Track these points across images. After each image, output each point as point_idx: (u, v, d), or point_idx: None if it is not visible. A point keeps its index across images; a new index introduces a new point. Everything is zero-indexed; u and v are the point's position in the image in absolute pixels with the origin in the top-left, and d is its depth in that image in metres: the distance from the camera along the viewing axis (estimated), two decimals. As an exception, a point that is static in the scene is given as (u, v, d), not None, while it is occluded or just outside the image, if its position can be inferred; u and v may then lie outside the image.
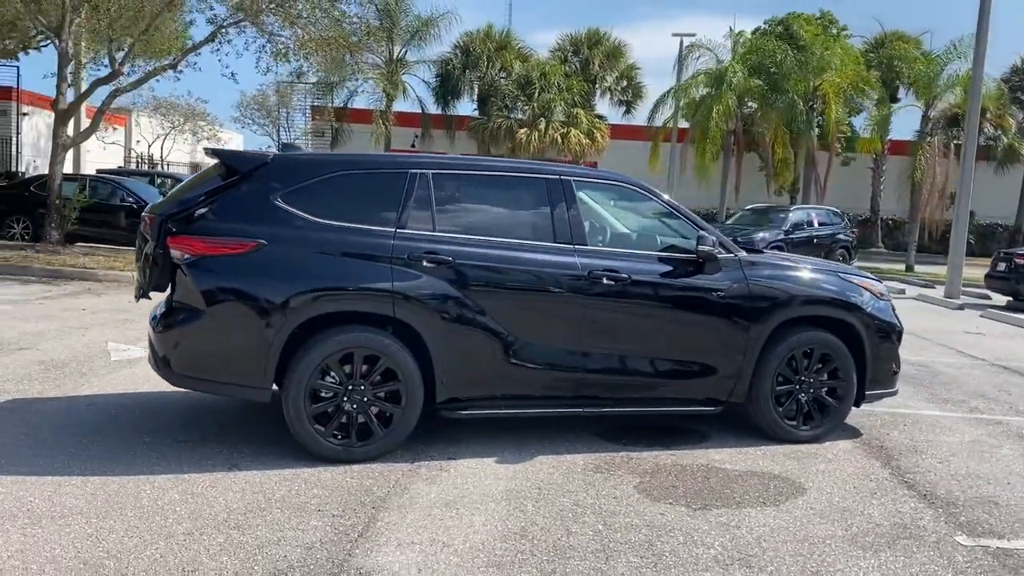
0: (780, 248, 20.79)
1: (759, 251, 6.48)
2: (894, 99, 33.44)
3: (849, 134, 32.52)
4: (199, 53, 15.43)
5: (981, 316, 15.28)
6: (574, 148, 32.90)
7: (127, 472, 4.73)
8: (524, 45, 36.57)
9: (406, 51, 34.87)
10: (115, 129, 40.48)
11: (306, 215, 5.05)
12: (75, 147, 19.27)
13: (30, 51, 23.87)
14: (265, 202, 5.02)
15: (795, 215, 22.02)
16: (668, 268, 5.63)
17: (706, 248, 5.53)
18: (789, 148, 29.11)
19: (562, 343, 5.40)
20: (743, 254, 5.89)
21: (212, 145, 22.54)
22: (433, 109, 35.70)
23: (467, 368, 5.23)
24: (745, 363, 5.73)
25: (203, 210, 5.00)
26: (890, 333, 6.16)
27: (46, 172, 16.16)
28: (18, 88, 34.12)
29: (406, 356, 5.08)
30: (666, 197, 5.94)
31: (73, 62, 16.04)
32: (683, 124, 29.30)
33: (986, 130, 30.60)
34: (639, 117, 35.04)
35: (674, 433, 6.04)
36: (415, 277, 5.09)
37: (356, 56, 16.06)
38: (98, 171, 23.23)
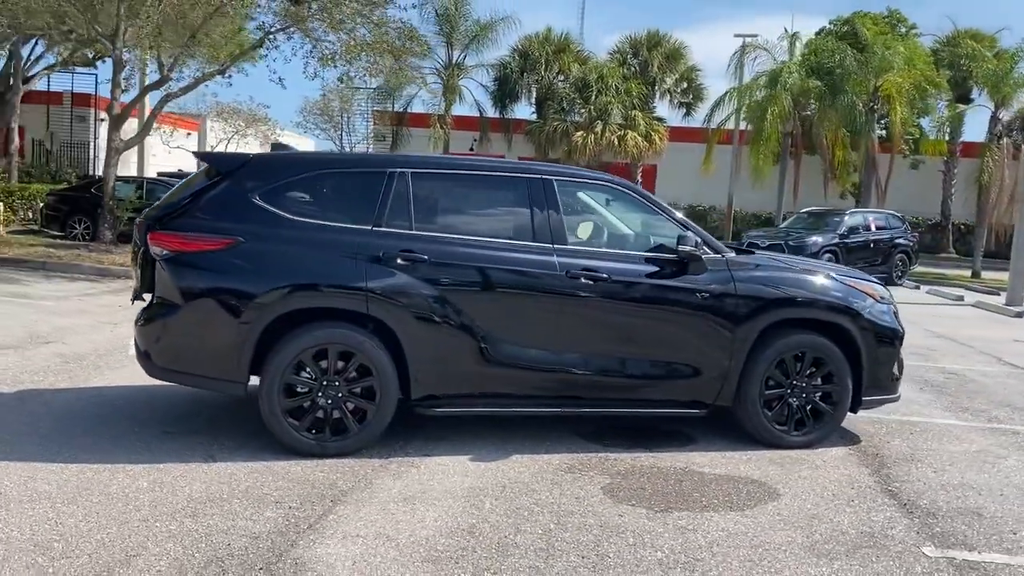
0: (834, 253, 20.33)
1: (751, 251, 6.34)
2: (967, 99, 32.29)
3: (917, 136, 31.51)
4: (248, 59, 15.84)
5: (1039, 324, 14.65)
6: (631, 151, 32.64)
7: (107, 460, 4.90)
8: (583, 48, 36.56)
9: (464, 55, 35.14)
10: (189, 134, 41.94)
11: (284, 213, 5.15)
12: (138, 150, 20.00)
13: (106, 59, 24.83)
14: (244, 201, 5.14)
15: (851, 219, 21.41)
16: (650, 268, 5.56)
17: (687, 248, 5.45)
18: (849, 150, 28.35)
19: (539, 342, 5.39)
20: (731, 255, 5.78)
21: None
22: (491, 113, 35.90)
23: (442, 366, 5.26)
24: (731, 365, 5.62)
25: (184, 209, 5.15)
26: (889, 337, 5.96)
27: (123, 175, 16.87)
28: (96, 95, 35.57)
29: (380, 353, 5.14)
30: (652, 197, 5.88)
31: (127, 68, 16.62)
32: (735, 127, 28.79)
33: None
34: (699, 120, 34.60)
35: (661, 436, 5.96)
36: (389, 275, 5.15)
37: (400, 60, 16.25)
38: (159, 174, 24.03)
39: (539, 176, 5.58)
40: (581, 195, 6.02)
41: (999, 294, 19.63)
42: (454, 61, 34.95)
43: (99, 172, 35.18)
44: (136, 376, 6.92)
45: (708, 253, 5.64)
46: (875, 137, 27.83)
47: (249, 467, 4.92)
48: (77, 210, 18.23)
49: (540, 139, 33.71)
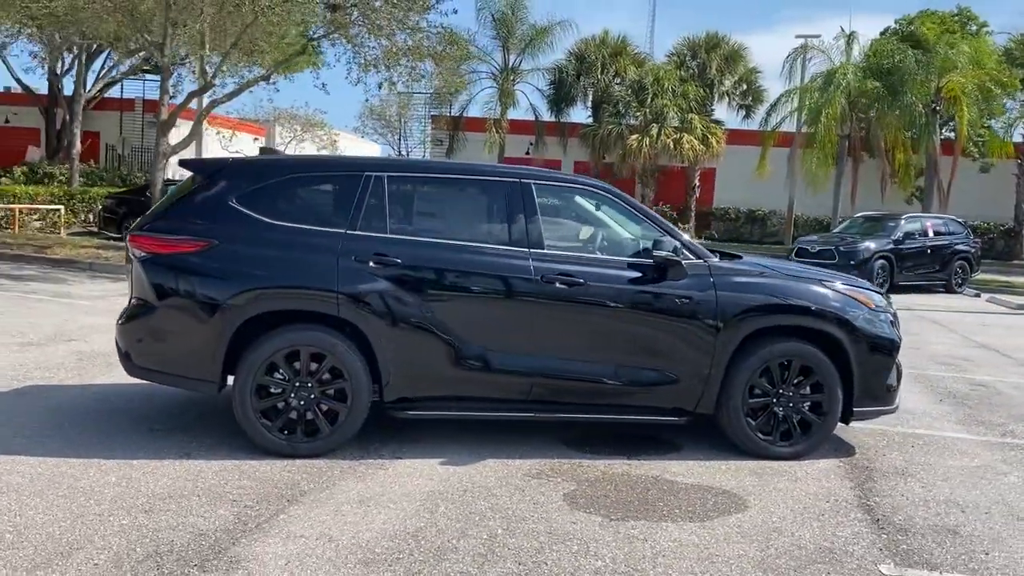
0: (888, 259, 19.72)
1: (737, 257, 6.20)
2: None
3: (987, 137, 30.33)
4: (294, 66, 16.16)
5: (1097, 335, 13.95)
6: (687, 154, 32.21)
7: (84, 455, 5.05)
8: (640, 50, 36.24)
9: (521, 60, 35.22)
10: (256, 139, 43.06)
11: (259, 216, 5.24)
12: (196, 154, 20.57)
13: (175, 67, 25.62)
14: (221, 204, 5.25)
15: (908, 224, 20.71)
16: (629, 273, 5.50)
17: (662, 253, 5.36)
18: (911, 153, 27.43)
19: (514, 347, 5.37)
20: (714, 260, 5.67)
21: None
22: (546, 116, 35.88)
23: (414, 369, 5.28)
24: (712, 373, 5.51)
25: (165, 213, 5.29)
26: (883, 347, 5.76)
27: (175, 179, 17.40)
28: (187, 102, 36.79)
29: (352, 355, 5.18)
30: (634, 201, 5.80)
31: (180, 74, 17.17)
32: (793, 129, 28.11)
33: None
34: (759, 122, 33.97)
35: (647, 443, 5.87)
36: (361, 278, 5.19)
37: (441, 64, 16.36)
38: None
39: (517, 180, 5.56)
40: (562, 199, 5.98)
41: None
42: (510, 65, 35.04)
43: (168, 176, 36.48)
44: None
45: (690, 258, 5.54)
46: (937, 139, 26.88)
47: (220, 465, 5.01)
48: (133, 212, 18.84)
49: (594, 143, 33.54)
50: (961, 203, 28.18)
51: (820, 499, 4.97)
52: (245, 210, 5.24)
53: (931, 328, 13.16)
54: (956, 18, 31.71)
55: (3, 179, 29.08)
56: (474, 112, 35.55)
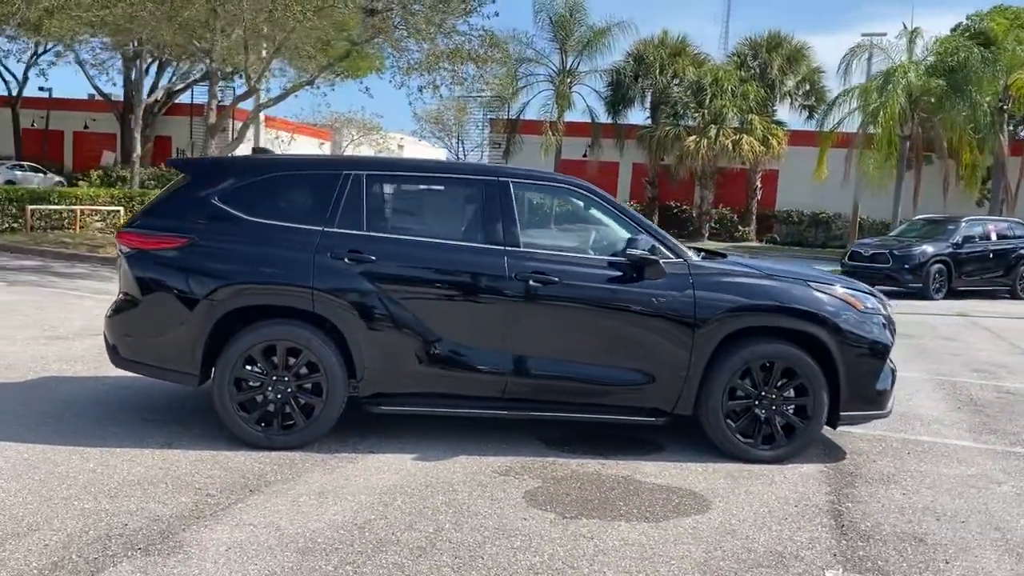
0: (945, 263, 19.05)
1: (721, 256, 6.09)
2: None
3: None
4: (346, 70, 16.50)
5: None
6: (746, 155, 31.72)
7: (72, 443, 5.26)
8: (700, 51, 35.84)
9: (578, 62, 35.19)
10: (323, 144, 44.07)
11: (241, 214, 5.39)
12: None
13: (240, 74, 26.33)
14: (203, 202, 5.42)
15: (969, 227, 19.95)
16: (606, 271, 5.47)
17: (636, 252, 5.32)
18: (977, 153, 26.43)
19: (487, 344, 5.40)
20: (695, 259, 5.60)
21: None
22: (604, 118, 35.71)
23: (388, 364, 5.36)
24: (690, 374, 5.44)
25: (152, 210, 5.48)
26: (872, 349, 5.61)
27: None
28: (232, 107, 37.90)
29: (327, 350, 5.29)
30: (612, 200, 5.76)
31: (233, 79, 17.65)
32: (852, 130, 27.37)
33: None
34: (816, 123, 33.19)
35: (627, 443, 5.83)
36: (336, 274, 5.29)
37: (482, 67, 16.48)
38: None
39: (494, 178, 5.58)
40: (540, 198, 5.98)
41: None
42: (567, 68, 35.03)
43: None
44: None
45: (669, 257, 5.49)
46: (1005, 139, 25.85)
47: (197, 455, 5.17)
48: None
49: (651, 144, 33.29)
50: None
51: (789, 503, 4.87)
52: (227, 207, 5.39)
53: (980, 334, 12.69)
54: (1032, 13, 30.41)
55: (81, 182, 30.41)
56: (531, 115, 35.70)
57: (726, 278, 5.57)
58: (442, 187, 5.74)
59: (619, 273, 5.46)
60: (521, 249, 5.44)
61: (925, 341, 11.78)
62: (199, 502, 4.45)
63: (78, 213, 19.66)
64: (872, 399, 5.66)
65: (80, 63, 31.40)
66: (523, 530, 4.28)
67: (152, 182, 30.16)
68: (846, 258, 19.82)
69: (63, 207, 19.40)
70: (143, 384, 6.71)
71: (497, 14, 22.59)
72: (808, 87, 34.79)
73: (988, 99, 25.04)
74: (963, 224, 20.09)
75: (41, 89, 43.19)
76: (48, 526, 4.05)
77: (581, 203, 5.85)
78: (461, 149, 35.90)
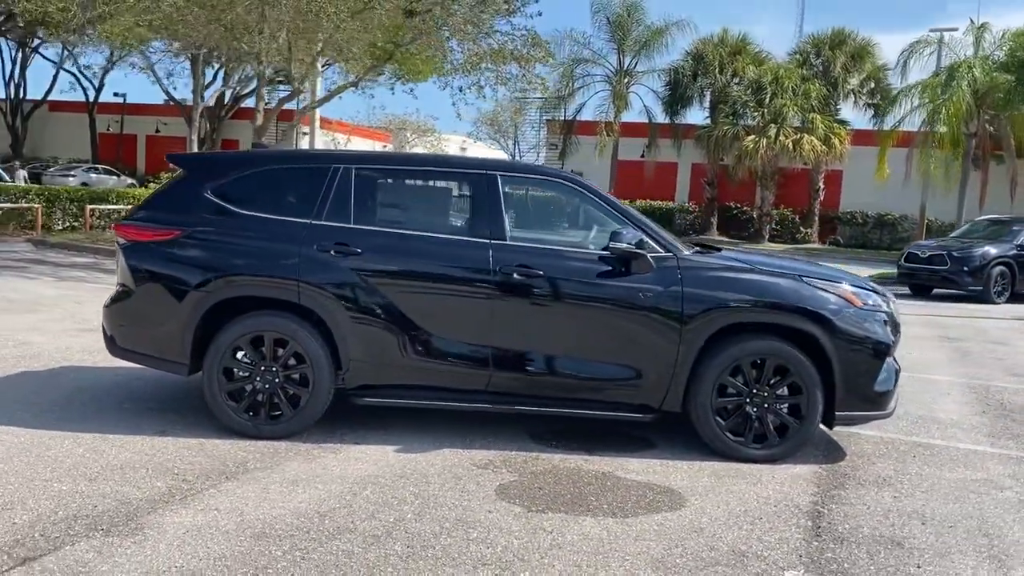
0: (1008, 265, 18.29)
1: (716, 250, 5.95)
2: None
3: None
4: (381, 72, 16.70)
5: None
6: (807, 155, 30.97)
7: (70, 428, 5.42)
8: (761, 49, 35.13)
9: (636, 62, 34.88)
10: (385, 146, 44.76)
11: (232, 207, 5.50)
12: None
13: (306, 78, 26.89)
14: (197, 195, 5.54)
15: (1034, 228, 19.14)
16: (592, 265, 5.41)
17: (620, 245, 5.24)
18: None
19: (471, 338, 5.39)
20: (684, 253, 5.50)
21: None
22: (661, 119, 35.33)
23: (373, 357, 5.39)
24: (677, 370, 5.34)
25: (149, 203, 5.63)
26: (870, 347, 5.42)
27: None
28: (297, 109, 38.75)
29: (313, 342, 5.35)
30: (603, 193, 5.69)
31: (262, 80, 18.01)
32: (915, 128, 26.40)
33: None
34: (875, 121, 32.21)
35: (619, 439, 5.75)
36: (322, 267, 5.35)
37: (525, 67, 16.47)
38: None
39: (482, 171, 5.57)
40: (529, 191, 5.95)
41: None
42: (625, 68, 34.78)
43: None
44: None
45: (658, 251, 5.40)
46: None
47: (185, 442, 5.28)
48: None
49: (709, 144, 32.78)
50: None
51: (769, 503, 4.73)
52: (219, 201, 5.50)
53: (1033, 339, 12.18)
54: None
55: (151, 184, 31.42)
56: (588, 116, 35.51)
57: (715, 273, 5.46)
58: (431, 181, 5.76)
59: (607, 267, 5.39)
60: (506, 243, 5.42)
61: (971, 344, 11.34)
62: (173, 487, 4.54)
63: (136, 212, 20.29)
64: (871, 398, 5.47)
65: (151, 69, 32.44)
66: (484, 522, 4.26)
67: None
68: (902, 260, 19.19)
69: (121, 207, 20.07)
70: (154, 375, 6.86)
71: (540, 14, 22.42)
72: (873, 85, 33.76)
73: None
74: (1028, 225, 19.26)
75: (116, 95, 44.95)
76: (21, 506, 4.18)
77: (571, 197, 5.80)
78: (517, 150, 35.89)
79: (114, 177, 36.96)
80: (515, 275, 5.32)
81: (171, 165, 6.22)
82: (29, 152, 43.12)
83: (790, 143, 30.92)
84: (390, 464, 5.08)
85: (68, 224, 19.30)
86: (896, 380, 5.63)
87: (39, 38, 34.00)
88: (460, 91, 16.01)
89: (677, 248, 5.51)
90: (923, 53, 26.25)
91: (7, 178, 29.14)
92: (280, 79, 33.63)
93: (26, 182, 28.63)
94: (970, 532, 4.46)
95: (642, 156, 35.80)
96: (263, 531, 4.03)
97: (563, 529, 4.23)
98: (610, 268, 5.38)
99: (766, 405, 5.40)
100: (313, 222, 5.43)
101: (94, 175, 37.25)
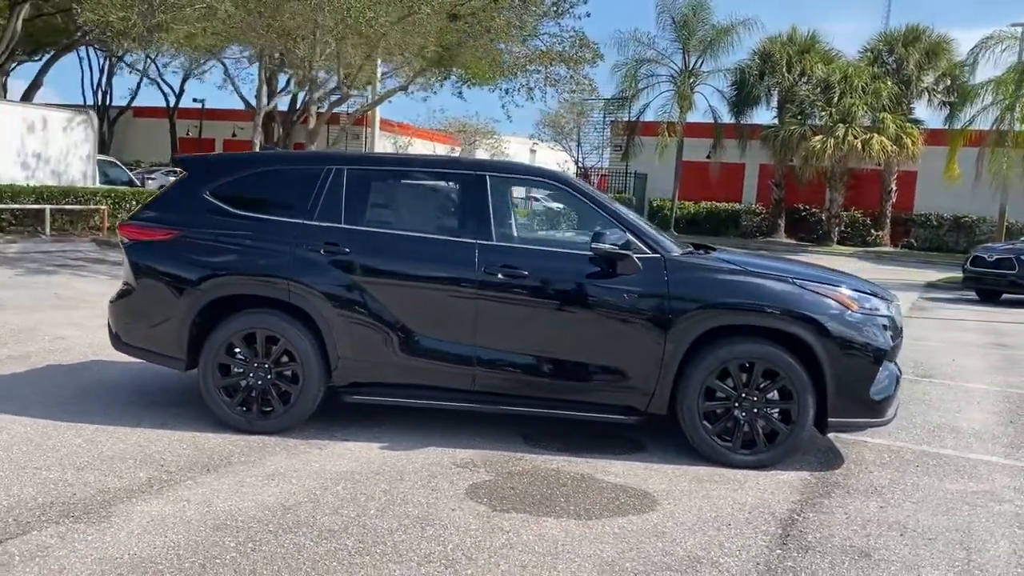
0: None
1: (711, 250, 5.83)
2: None
3: None
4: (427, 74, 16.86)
5: None
6: (876, 155, 30.04)
7: (74, 420, 5.64)
8: (831, 47, 34.23)
9: (701, 61, 34.40)
10: (453, 150, 45.28)
11: (228, 208, 5.65)
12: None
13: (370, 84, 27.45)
14: (195, 196, 5.71)
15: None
16: (577, 266, 5.38)
17: (602, 246, 5.20)
18: None
19: (456, 337, 5.43)
20: (673, 254, 5.42)
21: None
22: (727, 119, 34.74)
23: (361, 355, 5.47)
24: (663, 372, 5.27)
25: (152, 203, 5.84)
26: (864, 352, 5.26)
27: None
28: (346, 113, 39.57)
29: (303, 339, 5.46)
30: (591, 193, 5.64)
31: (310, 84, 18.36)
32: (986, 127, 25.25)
33: None
34: (944, 120, 30.98)
35: (608, 442, 5.69)
36: (311, 266, 5.46)
37: (573, 68, 16.40)
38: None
39: (471, 172, 5.61)
40: (519, 191, 5.94)
41: None
42: (690, 68, 34.34)
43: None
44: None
45: (645, 252, 5.34)
46: None
47: (179, 435, 5.44)
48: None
49: (775, 145, 32.09)
50: None
51: (744, 510, 4.63)
52: (216, 201, 5.66)
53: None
54: None
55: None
56: (652, 117, 35.14)
57: (701, 273, 5.37)
58: (421, 181, 5.82)
59: (593, 268, 5.36)
60: (492, 243, 5.44)
61: (1022, 352, 10.86)
62: (153, 478, 4.70)
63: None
64: (866, 404, 5.30)
65: (228, 75, 33.44)
66: (443, 520, 4.28)
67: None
68: (968, 263, 18.47)
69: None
70: (170, 372, 7.07)
71: (588, 15, 22.24)
72: (949, 82, 32.56)
73: None
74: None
75: (195, 100, 46.53)
76: (6, 492, 4.38)
77: (562, 196, 5.78)
78: (579, 152, 35.82)
79: (191, 179, 38.12)
80: (499, 275, 5.33)
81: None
82: (114, 155, 45.02)
83: (859, 143, 30.05)
84: (371, 461, 5.14)
85: (132, 224, 20.01)
86: (896, 386, 5.44)
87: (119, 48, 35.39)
88: (506, 93, 16.10)
89: (665, 248, 5.44)
90: (995, 49, 25.14)
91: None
92: (344, 84, 34.43)
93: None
94: (949, 545, 4.29)
95: (708, 157, 35.25)
96: (224, 522, 4.13)
97: (521, 529, 4.22)
98: (597, 268, 5.35)
99: (755, 410, 5.29)
100: (304, 222, 5.55)
101: (173, 178, 38.56)
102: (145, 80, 43.85)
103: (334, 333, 5.43)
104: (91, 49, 39.60)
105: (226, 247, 5.56)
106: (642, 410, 5.40)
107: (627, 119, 35.63)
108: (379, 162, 6.08)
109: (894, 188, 33.48)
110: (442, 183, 5.75)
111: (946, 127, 31.19)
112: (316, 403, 5.57)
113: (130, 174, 27.52)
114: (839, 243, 33.09)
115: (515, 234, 5.75)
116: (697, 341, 5.26)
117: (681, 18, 33.92)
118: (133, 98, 45.08)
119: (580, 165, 37.64)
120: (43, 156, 18.30)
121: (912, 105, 33.36)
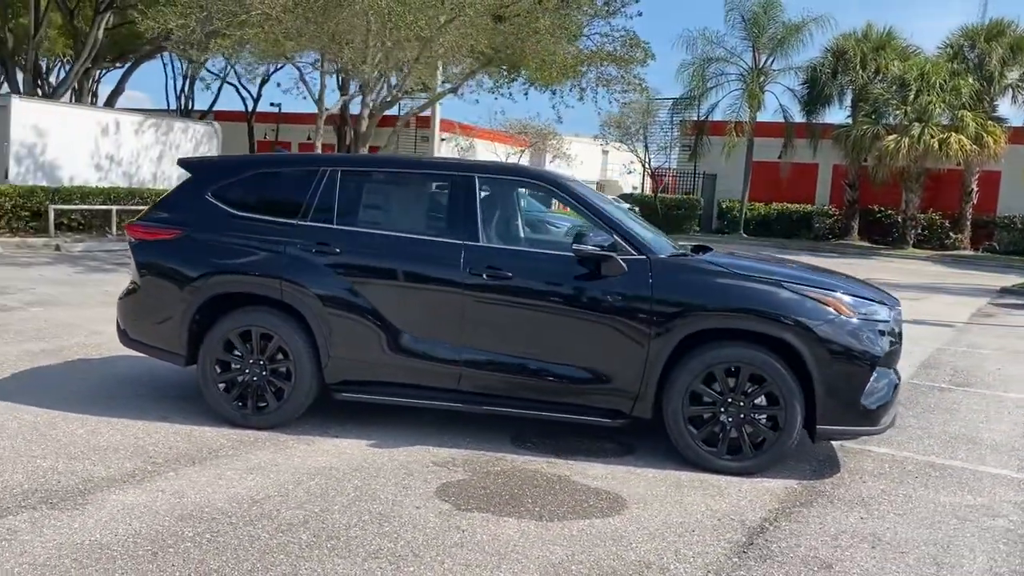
0: None
1: (707, 251, 5.71)
2: None
3: None
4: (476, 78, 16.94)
5: None
6: (955, 155, 28.88)
7: (83, 411, 5.88)
8: (909, 43, 33.04)
9: (772, 60, 33.68)
10: (522, 151, 45.46)
11: (228, 208, 5.82)
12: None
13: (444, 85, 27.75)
14: (198, 197, 5.90)
15: None
16: (563, 268, 5.36)
17: (585, 248, 5.17)
18: None
19: (442, 337, 5.47)
20: (659, 256, 5.35)
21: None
22: (798, 118, 33.87)
23: (350, 353, 5.57)
24: (647, 375, 5.21)
25: (159, 204, 6.05)
26: (857, 358, 5.09)
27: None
28: (379, 114, 40.01)
29: (295, 337, 5.59)
30: (582, 195, 5.58)
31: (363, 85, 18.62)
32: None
33: None
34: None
35: (597, 444, 5.66)
36: (303, 265, 5.58)
37: (624, 68, 16.25)
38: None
39: (460, 173, 5.64)
40: (506, 192, 5.94)
41: None
42: (760, 66, 33.67)
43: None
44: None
45: (630, 253, 5.29)
46: None
47: (176, 428, 5.63)
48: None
49: (847, 144, 31.16)
50: None
51: (714, 517, 4.55)
52: (217, 202, 5.84)
53: None
54: None
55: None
56: (720, 116, 34.55)
57: (687, 275, 5.29)
58: (412, 182, 5.88)
59: (579, 269, 5.33)
60: (478, 243, 5.46)
61: (1079, 361, 10.31)
62: (138, 469, 4.87)
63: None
64: (858, 412, 5.13)
65: (302, 78, 34.33)
66: (403, 517, 4.33)
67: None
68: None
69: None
70: (188, 368, 7.36)
71: (640, 14, 21.88)
72: (1034, 78, 31.13)
73: None
74: None
75: (272, 104, 47.81)
76: (-2, 477, 4.62)
77: (548, 198, 5.77)
78: (646, 153, 35.46)
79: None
80: (484, 276, 5.36)
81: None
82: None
83: (936, 142, 28.95)
84: (352, 457, 5.23)
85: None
86: (894, 394, 5.25)
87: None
88: (554, 94, 16.05)
89: (652, 250, 5.37)
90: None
91: None
92: (397, 88, 34.91)
93: None
94: (921, 560, 4.13)
95: (780, 157, 34.45)
96: (190, 513, 4.26)
97: (478, 529, 4.23)
98: (582, 270, 5.32)
99: (741, 415, 5.18)
100: (298, 222, 5.67)
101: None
102: (225, 85, 45.20)
103: (325, 331, 5.54)
104: (173, 55, 41.09)
105: (224, 246, 5.72)
106: (627, 413, 5.34)
107: (695, 118, 35.13)
108: (371, 164, 6.18)
109: (975, 189, 32.15)
110: (432, 184, 5.80)
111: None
112: (309, 400, 5.69)
113: None
114: (915, 246, 31.94)
115: (509, 235, 5.76)
116: (682, 344, 5.18)
117: (751, 16, 33.31)
118: (214, 102, 46.56)
119: (647, 166, 37.27)
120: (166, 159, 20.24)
121: (995, 103, 31.97)
